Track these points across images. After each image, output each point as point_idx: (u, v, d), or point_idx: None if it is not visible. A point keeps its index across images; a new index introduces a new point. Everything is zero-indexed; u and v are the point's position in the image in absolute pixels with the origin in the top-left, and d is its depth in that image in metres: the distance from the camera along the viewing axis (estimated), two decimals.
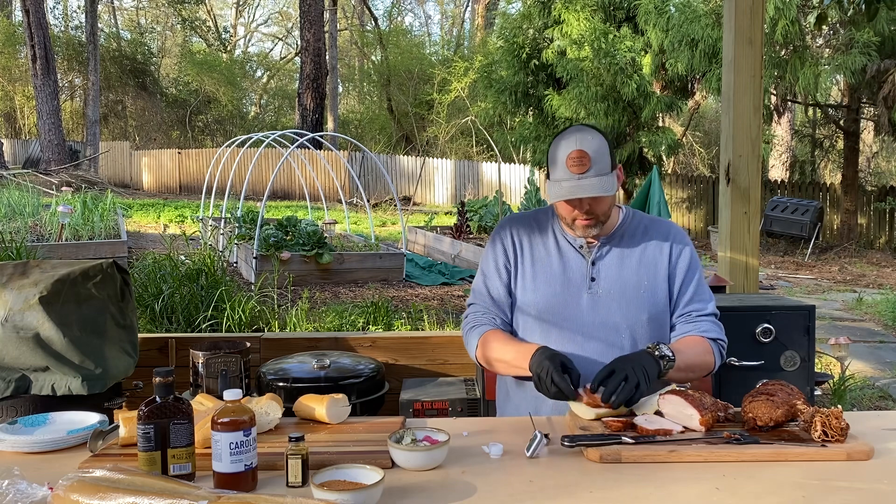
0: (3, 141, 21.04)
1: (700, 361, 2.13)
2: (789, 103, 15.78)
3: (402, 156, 23.58)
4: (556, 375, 1.90)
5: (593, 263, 2.18)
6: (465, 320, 2.29)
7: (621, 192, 15.58)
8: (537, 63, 14.96)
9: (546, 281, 2.19)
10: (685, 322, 2.20)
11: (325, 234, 9.41)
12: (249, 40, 39.16)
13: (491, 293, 2.26)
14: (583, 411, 1.93)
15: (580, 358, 2.12)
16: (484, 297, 2.27)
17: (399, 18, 36.46)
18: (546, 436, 1.79)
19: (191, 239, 7.39)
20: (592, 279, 2.17)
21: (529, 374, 2.02)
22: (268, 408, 1.91)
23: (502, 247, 2.27)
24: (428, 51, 32.32)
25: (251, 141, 12.95)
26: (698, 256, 2.29)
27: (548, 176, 2.16)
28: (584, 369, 2.08)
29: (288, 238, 9.06)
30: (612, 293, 2.16)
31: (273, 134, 12.05)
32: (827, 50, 12.84)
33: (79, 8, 31.16)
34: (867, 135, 18.43)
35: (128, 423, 1.80)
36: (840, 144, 16.53)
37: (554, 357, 1.96)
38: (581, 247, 2.20)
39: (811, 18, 12.41)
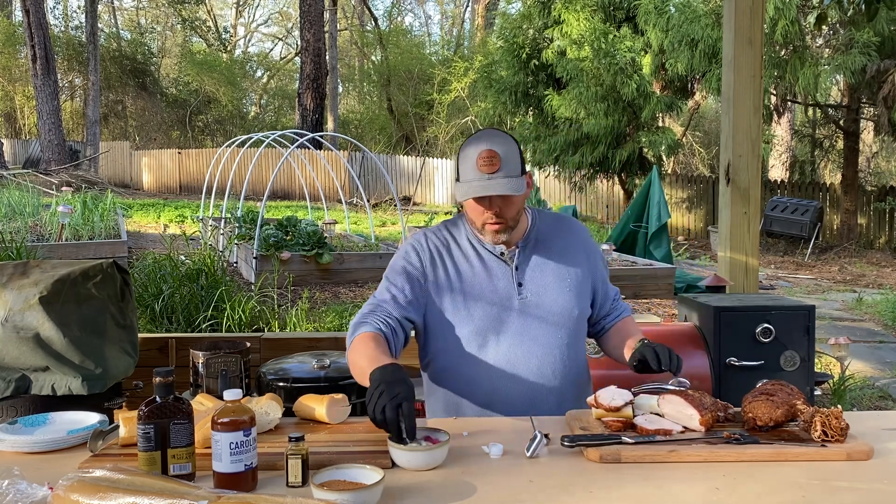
0: (3, 141, 21.03)
1: None
2: (789, 103, 15.78)
3: (402, 156, 23.57)
4: (390, 411, 1.69)
5: (517, 269, 2.18)
6: (357, 314, 2.15)
7: (621, 192, 15.64)
8: (537, 63, 14.97)
9: (476, 297, 2.15)
10: (614, 308, 2.35)
11: (325, 234, 9.40)
12: (249, 40, 39.21)
13: (396, 298, 2.14)
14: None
15: (523, 365, 2.14)
16: (385, 300, 2.14)
17: (399, 18, 36.48)
18: (546, 436, 1.79)
19: (191, 239, 7.40)
20: (520, 284, 2.17)
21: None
22: (268, 408, 1.91)
23: (418, 258, 2.19)
24: (428, 51, 32.31)
25: (251, 141, 12.95)
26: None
27: (457, 179, 2.13)
28: (529, 375, 2.13)
29: (288, 238, 9.06)
30: (541, 295, 2.17)
31: (273, 134, 12.04)
32: (827, 50, 12.84)
33: (79, 8, 31.19)
34: (867, 135, 18.43)
35: (128, 423, 1.80)
36: (840, 144, 16.53)
37: (398, 384, 1.74)
38: (502, 254, 2.18)
39: (811, 18, 12.41)
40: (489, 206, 2.08)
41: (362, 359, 1.94)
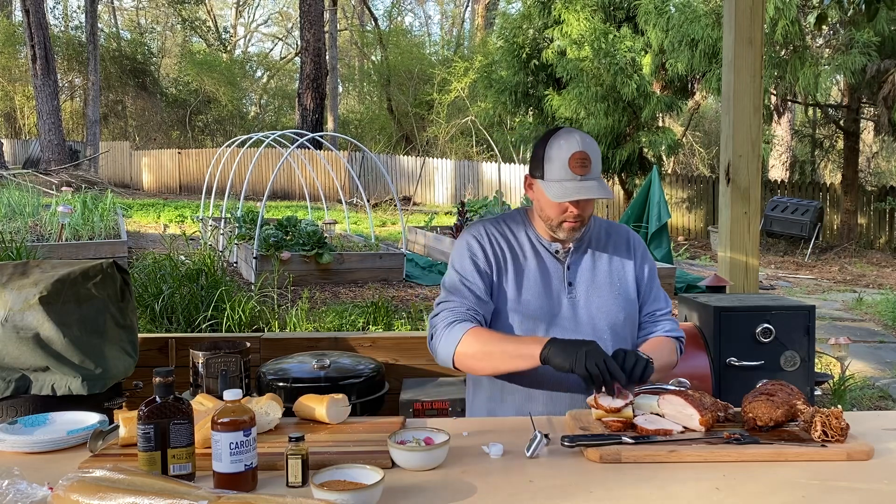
0: (3, 141, 21.02)
1: (668, 362, 2.23)
2: (789, 103, 15.78)
3: (402, 156, 23.56)
4: (610, 362, 1.84)
5: (569, 268, 2.21)
6: (441, 317, 2.14)
7: (621, 192, 15.64)
8: (537, 63, 14.96)
9: (529, 287, 2.18)
10: (650, 322, 2.30)
11: (325, 234, 9.40)
12: (249, 40, 39.19)
13: (474, 292, 2.16)
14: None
15: None
16: (465, 295, 2.16)
17: (399, 18, 36.45)
18: (546, 436, 1.79)
19: (191, 239, 7.40)
20: (570, 283, 2.20)
21: (530, 364, 1.97)
22: (268, 408, 1.91)
23: (482, 249, 2.21)
24: (428, 51, 32.30)
25: (251, 141, 12.95)
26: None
27: (533, 174, 2.15)
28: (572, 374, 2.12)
29: (288, 238, 9.06)
30: (590, 296, 2.20)
31: (273, 134, 12.05)
32: (827, 50, 12.83)
33: (79, 8, 31.17)
34: (867, 135, 18.43)
35: (128, 423, 1.80)
36: (840, 144, 16.52)
37: (587, 344, 1.90)
38: (557, 251, 2.22)
39: (811, 18, 12.41)
40: (576, 206, 2.11)
41: (505, 344, 2.03)
